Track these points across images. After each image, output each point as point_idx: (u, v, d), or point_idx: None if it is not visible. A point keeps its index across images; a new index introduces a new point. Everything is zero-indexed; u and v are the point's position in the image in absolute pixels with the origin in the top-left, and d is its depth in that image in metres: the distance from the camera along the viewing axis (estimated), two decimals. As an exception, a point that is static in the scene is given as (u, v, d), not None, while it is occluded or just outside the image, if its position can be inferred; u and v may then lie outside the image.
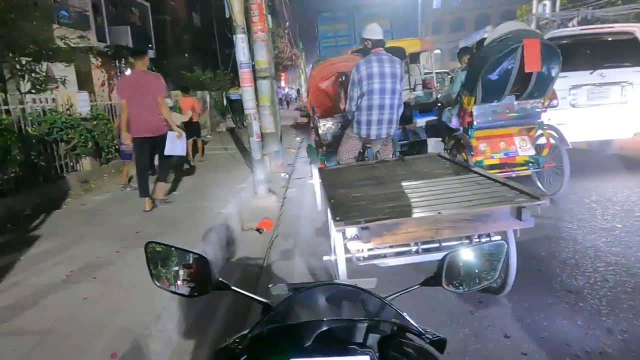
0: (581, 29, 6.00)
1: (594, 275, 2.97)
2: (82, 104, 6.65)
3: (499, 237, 2.60)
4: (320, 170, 3.91)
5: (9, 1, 6.90)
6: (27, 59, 6.96)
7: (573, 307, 2.60)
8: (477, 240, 2.59)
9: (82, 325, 2.37)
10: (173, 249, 1.09)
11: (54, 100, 6.56)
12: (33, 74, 6.82)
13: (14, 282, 3.05)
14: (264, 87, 6.83)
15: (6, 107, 5.26)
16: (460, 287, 1.08)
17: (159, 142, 4.77)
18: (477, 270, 1.08)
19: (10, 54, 6.76)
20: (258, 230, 4.56)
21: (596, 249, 3.37)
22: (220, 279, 1.05)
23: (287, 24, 19.52)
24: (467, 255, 1.08)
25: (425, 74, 8.46)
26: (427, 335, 0.87)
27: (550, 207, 2.42)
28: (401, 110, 4.00)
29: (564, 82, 5.25)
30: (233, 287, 1.05)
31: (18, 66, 6.69)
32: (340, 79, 4.74)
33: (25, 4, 7.10)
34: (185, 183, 6.25)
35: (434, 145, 7.29)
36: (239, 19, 5.06)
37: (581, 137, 5.47)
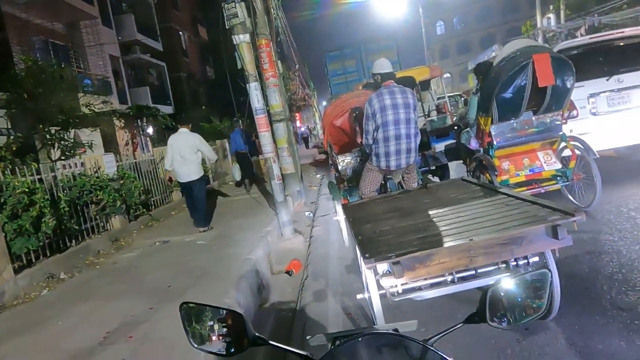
0: (591, 38, 5.95)
1: (645, 289, 2.79)
2: (108, 165, 6.91)
3: (537, 258, 2.49)
4: (344, 206, 3.89)
5: (36, 77, 7.40)
6: (56, 128, 7.34)
7: (628, 326, 2.44)
8: (514, 263, 2.49)
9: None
10: (207, 307, 1.08)
11: (82, 164, 6.86)
12: (62, 142, 7.17)
13: (52, 347, 3.07)
14: (281, 130, 6.95)
15: (39, 176, 5.48)
16: (506, 322, 1.02)
17: None
18: (522, 303, 1.03)
19: (40, 126, 7.15)
20: (288, 272, 4.52)
21: (643, 261, 3.19)
22: (256, 333, 1.03)
23: (297, 66, 20.15)
24: (509, 287, 1.03)
25: (438, 98, 8.50)
26: None
27: (586, 220, 2.31)
28: (419, 138, 4.01)
29: (581, 92, 5.18)
30: (271, 342, 1.03)
31: (48, 136, 7.04)
32: (354, 114, 4.80)
33: (51, 77, 7.58)
34: (213, 230, 6.31)
35: (456, 168, 7.23)
36: (250, 68, 5.25)
37: (607, 145, 5.31)
